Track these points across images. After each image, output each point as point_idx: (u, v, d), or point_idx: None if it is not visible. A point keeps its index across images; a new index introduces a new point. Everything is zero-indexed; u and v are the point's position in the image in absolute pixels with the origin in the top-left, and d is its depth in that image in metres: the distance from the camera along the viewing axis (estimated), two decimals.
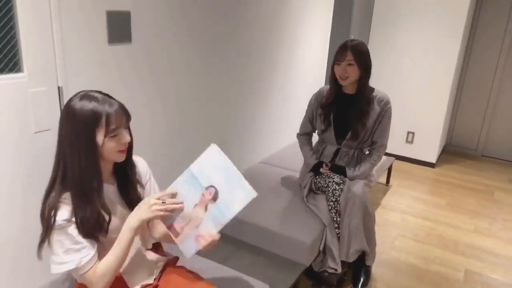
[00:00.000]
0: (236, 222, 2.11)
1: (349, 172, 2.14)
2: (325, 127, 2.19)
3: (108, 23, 1.57)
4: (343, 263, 2.05)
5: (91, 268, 1.11)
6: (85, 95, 1.11)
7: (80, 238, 1.10)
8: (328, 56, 3.65)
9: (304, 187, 2.26)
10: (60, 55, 1.42)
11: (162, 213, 1.13)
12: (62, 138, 1.11)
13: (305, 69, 3.36)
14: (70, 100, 1.11)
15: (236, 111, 2.58)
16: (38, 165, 1.44)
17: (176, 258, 1.50)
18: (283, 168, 2.80)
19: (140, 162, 1.36)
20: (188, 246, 1.23)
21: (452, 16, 3.69)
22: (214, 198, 1.20)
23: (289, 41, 3.01)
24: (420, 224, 2.97)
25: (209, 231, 1.20)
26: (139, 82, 1.79)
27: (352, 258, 2.01)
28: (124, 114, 1.14)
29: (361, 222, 1.98)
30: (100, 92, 1.14)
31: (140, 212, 1.14)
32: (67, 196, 1.11)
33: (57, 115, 1.46)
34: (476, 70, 4.38)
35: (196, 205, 1.22)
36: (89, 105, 1.08)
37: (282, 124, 3.22)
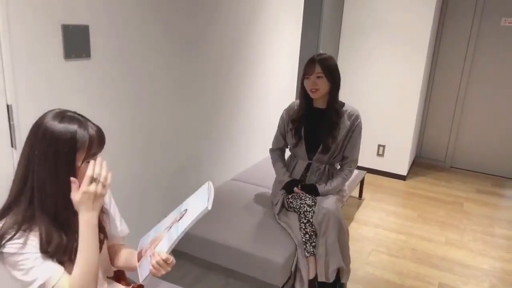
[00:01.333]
0: (206, 243, 2.03)
1: (321, 187, 2.11)
2: (296, 142, 2.17)
3: (64, 38, 1.48)
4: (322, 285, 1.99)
5: (60, 279, 1.00)
6: (64, 116, 1.02)
7: (37, 255, 0.99)
8: (298, 71, 3.65)
9: (276, 204, 2.20)
10: (9, 71, 1.32)
11: (101, 190, 1.04)
12: (33, 158, 1.00)
13: (275, 83, 3.34)
14: (44, 119, 1.01)
15: (206, 128, 2.51)
16: None
17: (141, 287, 1.40)
18: (255, 185, 2.74)
19: None
20: (142, 268, 1.13)
21: (417, 31, 3.79)
22: (180, 218, 1.12)
23: (258, 57, 2.98)
24: (393, 238, 2.96)
25: (161, 250, 1.10)
26: (99, 100, 1.70)
27: (331, 278, 1.96)
28: (103, 138, 1.08)
29: (336, 240, 1.94)
30: (76, 113, 1.06)
31: (85, 206, 1.03)
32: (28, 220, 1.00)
33: (5, 135, 1.35)
34: (442, 84, 4.50)
35: (166, 227, 1.14)
36: (71, 127, 1.00)
37: (254, 139, 3.17)
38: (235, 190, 2.62)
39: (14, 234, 0.98)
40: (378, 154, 4.24)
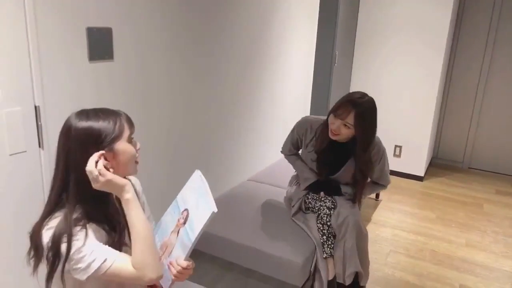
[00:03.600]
0: (226, 243, 2.04)
1: (344, 189, 2.08)
2: (312, 163, 2.09)
3: (89, 40, 1.51)
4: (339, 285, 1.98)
5: (115, 261, 0.99)
6: (88, 113, 1.04)
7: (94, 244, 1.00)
8: (314, 71, 3.65)
9: (293, 206, 2.19)
10: (37, 73, 1.35)
11: (91, 166, 1.01)
12: (70, 159, 1.01)
13: (291, 84, 3.35)
14: (70, 121, 1.02)
15: (223, 129, 2.53)
16: (12, 189, 1.35)
17: None
18: (272, 185, 2.74)
19: (137, 182, 1.28)
20: (165, 278, 1.12)
21: (434, 30, 3.75)
22: (185, 221, 1.12)
23: (275, 57, 2.99)
24: (411, 239, 2.93)
25: (178, 257, 1.10)
26: (121, 101, 1.72)
27: (348, 281, 1.94)
28: (130, 120, 1.11)
29: (355, 244, 1.92)
30: (95, 108, 1.08)
31: (114, 182, 1.02)
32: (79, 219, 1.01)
33: (33, 135, 1.38)
34: (460, 83, 4.44)
35: (172, 231, 1.15)
36: (107, 118, 1.03)
37: (270, 140, 3.18)
38: (252, 190, 2.62)
39: (71, 234, 0.97)
40: (395, 155, 4.20)
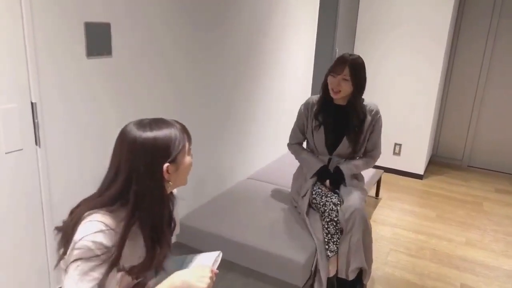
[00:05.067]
0: (226, 242, 2.02)
1: (344, 167, 2.12)
2: (315, 136, 2.16)
3: (87, 35, 1.48)
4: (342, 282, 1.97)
5: None
6: (150, 124, 1.01)
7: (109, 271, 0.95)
8: (314, 67, 3.62)
9: (304, 196, 2.16)
10: (34, 69, 1.32)
11: (206, 287, 1.03)
12: (134, 172, 0.98)
13: (291, 81, 3.32)
14: (130, 133, 0.99)
15: (222, 126, 2.50)
16: (8, 188, 1.32)
17: None
18: (272, 184, 2.71)
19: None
20: None
21: (435, 27, 3.73)
22: None
23: (275, 54, 2.96)
24: (412, 238, 2.91)
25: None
26: (120, 98, 1.69)
27: (351, 276, 1.93)
28: (188, 132, 1.10)
29: (361, 239, 1.91)
30: (153, 119, 1.05)
31: (190, 276, 1.03)
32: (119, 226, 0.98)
33: (29, 133, 1.35)
34: (460, 81, 4.42)
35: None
36: (166, 132, 1.01)
37: (269, 138, 3.15)
38: (252, 189, 2.60)
39: (102, 231, 0.94)
40: (394, 153, 4.18)
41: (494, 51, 4.19)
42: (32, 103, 1.34)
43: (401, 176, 4.17)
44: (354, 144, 2.11)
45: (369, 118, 2.10)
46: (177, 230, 1.26)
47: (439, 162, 4.66)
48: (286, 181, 2.67)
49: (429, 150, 4.25)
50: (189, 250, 2.10)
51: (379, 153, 2.23)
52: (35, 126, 1.36)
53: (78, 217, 0.97)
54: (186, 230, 2.15)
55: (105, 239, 0.94)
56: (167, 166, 0.99)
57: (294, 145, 2.32)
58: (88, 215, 0.96)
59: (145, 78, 1.81)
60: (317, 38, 3.55)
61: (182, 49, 2.00)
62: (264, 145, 3.10)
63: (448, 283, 2.40)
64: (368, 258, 2.00)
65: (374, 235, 2.86)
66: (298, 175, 2.31)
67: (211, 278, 1.06)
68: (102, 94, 1.60)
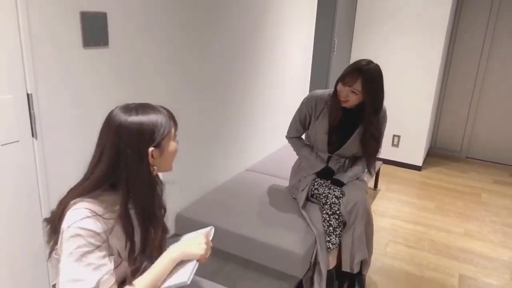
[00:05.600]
0: (225, 233, 2.01)
1: (343, 177, 2.06)
2: (320, 135, 2.08)
3: (83, 25, 1.45)
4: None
5: None
6: (137, 108, 1.01)
7: (104, 257, 0.96)
8: (312, 58, 3.59)
9: (303, 190, 2.14)
10: (29, 59, 1.29)
11: (204, 252, 1.08)
12: (120, 156, 0.98)
13: (290, 73, 3.29)
14: (116, 117, 0.99)
15: (221, 118, 2.48)
16: (4, 180, 1.30)
17: None
18: (270, 175, 2.71)
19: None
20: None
21: (434, 19, 3.70)
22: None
23: (273, 45, 2.93)
24: (410, 229, 2.92)
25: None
26: (117, 88, 1.67)
27: (356, 269, 1.93)
28: (174, 116, 1.11)
29: (363, 231, 1.90)
30: (140, 103, 1.05)
31: (186, 246, 1.08)
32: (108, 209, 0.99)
33: (25, 124, 1.33)
34: (458, 73, 4.41)
35: None
36: (151, 117, 1.02)
37: (268, 130, 3.14)
38: (251, 181, 2.59)
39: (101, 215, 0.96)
40: (393, 145, 4.18)
41: (493, 42, 4.16)
42: (28, 94, 1.32)
43: (399, 168, 4.17)
44: (362, 147, 2.02)
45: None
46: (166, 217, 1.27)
47: (438, 154, 4.66)
48: (284, 173, 2.66)
49: (427, 141, 4.25)
50: None
51: (379, 152, 2.10)
52: (31, 117, 1.34)
53: (64, 206, 0.98)
54: (185, 222, 2.15)
55: (93, 225, 0.94)
56: (152, 151, 1.00)
57: (293, 138, 2.24)
58: (74, 203, 0.97)
59: (143, 69, 1.78)
60: (316, 29, 3.52)
61: (181, 39, 1.97)
62: (263, 137, 3.08)
63: (447, 273, 2.41)
64: (369, 249, 2.00)
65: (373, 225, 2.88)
66: (297, 169, 2.28)
67: (207, 244, 1.10)
68: (99, 85, 1.58)
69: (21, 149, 1.33)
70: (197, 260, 1.09)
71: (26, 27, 1.27)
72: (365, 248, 1.93)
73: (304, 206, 2.13)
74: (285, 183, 2.50)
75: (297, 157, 2.32)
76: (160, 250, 1.10)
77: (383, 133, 2.08)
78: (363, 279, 2.15)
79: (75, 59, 1.46)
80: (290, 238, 1.93)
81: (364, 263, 2.01)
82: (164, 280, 1.05)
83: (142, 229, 1.05)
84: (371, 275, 2.32)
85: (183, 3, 1.94)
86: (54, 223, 0.99)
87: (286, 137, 2.29)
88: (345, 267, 1.94)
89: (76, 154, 1.54)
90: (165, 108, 1.07)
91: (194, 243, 1.10)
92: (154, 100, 1.86)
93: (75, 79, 1.47)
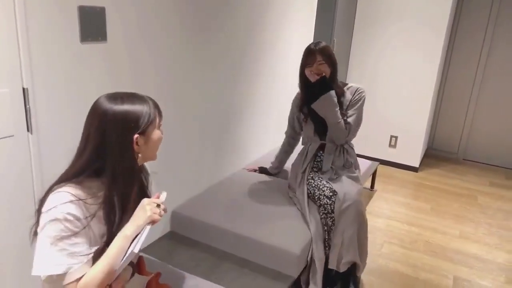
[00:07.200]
0: (221, 232, 2.01)
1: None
2: (306, 127, 2.23)
3: (80, 20, 1.44)
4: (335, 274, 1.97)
5: (76, 279, 0.96)
6: (122, 97, 1.03)
7: (80, 244, 0.97)
8: None
9: (300, 184, 2.18)
10: (26, 53, 1.28)
11: (158, 216, 1.05)
12: (105, 144, 1.00)
13: (287, 74, 3.28)
14: (102, 105, 1.01)
15: (218, 116, 2.47)
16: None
17: (158, 275, 1.38)
18: (267, 173, 2.69)
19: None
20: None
21: (434, 19, 3.70)
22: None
23: (272, 44, 2.92)
24: (406, 230, 2.92)
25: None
26: (115, 84, 1.65)
27: (343, 269, 1.93)
28: (158, 106, 1.13)
29: (355, 233, 1.90)
30: (126, 92, 1.08)
31: (134, 218, 1.05)
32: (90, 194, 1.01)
33: (21, 119, 1.32)
34: (457, 74, 4.41)
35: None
36: (142, 103, 1.05)
37: (265, 129, 3.13)
38: (247, 179, 2.58)
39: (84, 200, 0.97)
40: (390, 145, 4.18)
41: (492, 45, 4.17)
42: (23, 89, 1.30)
43: (396, 169, 4.18)
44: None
45: (349, 96, 2.12)
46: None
47: (435, 155, 4.67)
48: (281, 172, 2.66)
49: (424, 143, 4.26)
50: (184, 240, 2.09)
51: (354, 129, 2.13)
52: (27, 112, 1.33)
53: (49, 190, 0.99)
54: (181, 220, 2.14)
55: (74, 210, 0.96)
56: (137, 138, 1.02)
57: (284, 139, 2.49)
58: (58, 187, 0.98)
59: (141, 64, 1.77)
60: (315, 29, 3.51)
61: (179, 35, 1.96)
62: (260, 135, 3.07)
63: (442, 275, 2.41)
64: (363, 253, 1.99)
65: (368, 227, 2.87)
66: (296, 165, 2.29)
67: (150, 204, 1.05)
68: (96, 81, 1.56)
69: (16, 143, 1.32)
70: (151, 224, 1.06)
71: (23, 20, 1.25)
72: (356, 251, 1.92)
73: (303, 205, 2.13)
74: (282, 182, 2.50)
75: (294, 155, 2.38)
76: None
77: (358, 112, 2.12)
78: (358, 281, 2.15)
79: (72, 54, 1.44)
80: (286, 237, 1.93)
81: (357, 266, 2.01)
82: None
83: (121, 214, 1.05)
84: (366, 275, 2.32)
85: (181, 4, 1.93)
86: (39, 207, 0.99)
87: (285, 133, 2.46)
88: (332, 265, 1.95)
89: (72, 149, 1.52)
90: (150, 98, 1.09)
91: (140, 211, 1.06)
92: (150, 95, 1.85)
93: (72, 74, 1.46)
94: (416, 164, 4.12)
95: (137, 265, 1.26)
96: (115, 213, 1.04)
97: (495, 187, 3.86)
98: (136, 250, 1.00)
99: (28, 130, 1.35)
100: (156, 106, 1.09)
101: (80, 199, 0.97)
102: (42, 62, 1.34)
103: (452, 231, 2.95)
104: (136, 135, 1.02)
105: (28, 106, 1.32)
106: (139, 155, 1.05)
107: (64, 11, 1.38)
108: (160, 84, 1.92)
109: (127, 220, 1.05)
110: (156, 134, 1.08)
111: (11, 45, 1.24)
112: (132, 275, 1.18)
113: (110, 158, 1.00)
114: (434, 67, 3.81)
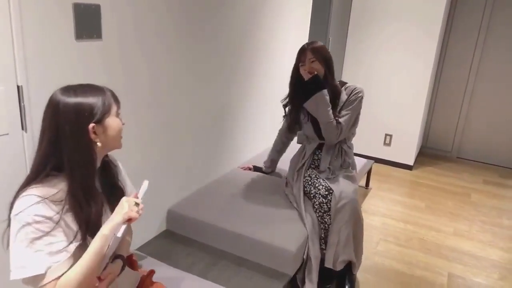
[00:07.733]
0: (217, 231, 2.00)
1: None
2: (306, 127, 2.20)
3: (75, 17, 1.43)
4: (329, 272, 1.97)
5: (56, 277, 0.96)
6: (76, 89, 1.03)
7: (56, 243, 0.96)
8: None
9: (297, 181, 2.17)
10: (20, 51, 1.27)
11: (135, 214, 1.04)
12: (60, 136, 1.00)
13: (282, 73, 3.28)
14: (57, 97, 1.01)
15: (213, 114, 2.47)
16: None
17: (152, 272, 1.38)
18: (262, 172, 2.69)
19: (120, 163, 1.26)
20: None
21: (428, 20, 3.72)
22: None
23: (267, 44, 2.92)
24: (401, 228, 2.94)
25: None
26: (110, 82, 1.64)
27: (339, 267, 1.94)
28: (116, 96, 1.13)
29: (351, 232, 1.91)
30: (81, 84, 1.08)
31: (111, 218, 1.04)
32: (52, 192, 1.00)
33: (15, 117, 1.30)
34: (451, 73, 4.44)
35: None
36: (95, 94, 1.05)
37: (260, 127, 3.13)
38: (243, 178, 2.58)
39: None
40: (385, 144, 4.20)
41: (486, 44, 4.20)
42: (18, 86, 1.29)
43: (391, 167, 4.20)
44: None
45: (344, 96, 2.09)
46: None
47: (429, 153, 4.70)
48: (277, 170, 2.66)
49: (419, 141, 4.28)
50: (180, 238, 2.08)
51: (346, 130, 2.08)
52: (21, 110, 1.31)
53: (15, 195, 0.99)
54: (176, 218, 2.13)
55: (42, 210, 0.96)
56: (93, 126, 1.02)
57: (277, 137, 2.50)
58: (22, 191, 0.98)
59: (136, 62, 1.76)
60: (310, 27, 3.51)
61: (174, 34, 1.95)
62: (255, 134, 3.07)
63: (436, 272, 2.43)
64: (359, 251, 2.01)
65: (364, 225, 2.89)
66: (295, 162, 2.30)
67: (128, 201, 1.05)
68: (91, 79, 1.55)
69: (11, 142, 1.31)
70: (128, 222, 1.05)
71: (18, 18, 1.24)
72: (352, 250, 1.93)
73: (298, 202, 2.13)
74: (277, 180, 2.50)
75: (291, 153, 2.37)
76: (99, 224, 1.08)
77: (352, 113, 2.09)
78: (354, 278, 2.16)
79: (67, 52, 1.43)
80: (282, 235, 1.93)
81: (353, 264, 2.02)
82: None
83: (89, 207, 1.05)
84: (361, 273, 2.33)
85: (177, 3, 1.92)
86: (9, 213, 0.99)
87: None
88: (328, 264, 1.95)
89: None
90: (107, 88, 1.10)
91: (118, 208, 1.05)
92: (148, 96, 1.85)
93: (66, 72, 1.45)
94: (410, 162, 4.15)
95: (128, 259, 1.26)
96: (81, 205, 1.02)
97: (489, 185, 3.89)
98: (111, 251, 1.02)
99: (22, 128, 1.33)
100: (113, 95, 1.10)
101: (45, 198, 0.97)
102: (36, 60, 1.33)
103: (447, 228, 2.98)
104: (92, 124, 1.01)
105: (22, 104, 1.31)
106: (99, 144, 1.04)
107: (59, 8, 1.37)
108: (155, 82, 1.91)
109: (93, 210, 1.05)
110: (115, 121, 1.07)
111: (6, 43, 1.23)
112: (123, 268, 1.17)
113: (66, 150, 1.00)
114: (428, 66, 3.83)
